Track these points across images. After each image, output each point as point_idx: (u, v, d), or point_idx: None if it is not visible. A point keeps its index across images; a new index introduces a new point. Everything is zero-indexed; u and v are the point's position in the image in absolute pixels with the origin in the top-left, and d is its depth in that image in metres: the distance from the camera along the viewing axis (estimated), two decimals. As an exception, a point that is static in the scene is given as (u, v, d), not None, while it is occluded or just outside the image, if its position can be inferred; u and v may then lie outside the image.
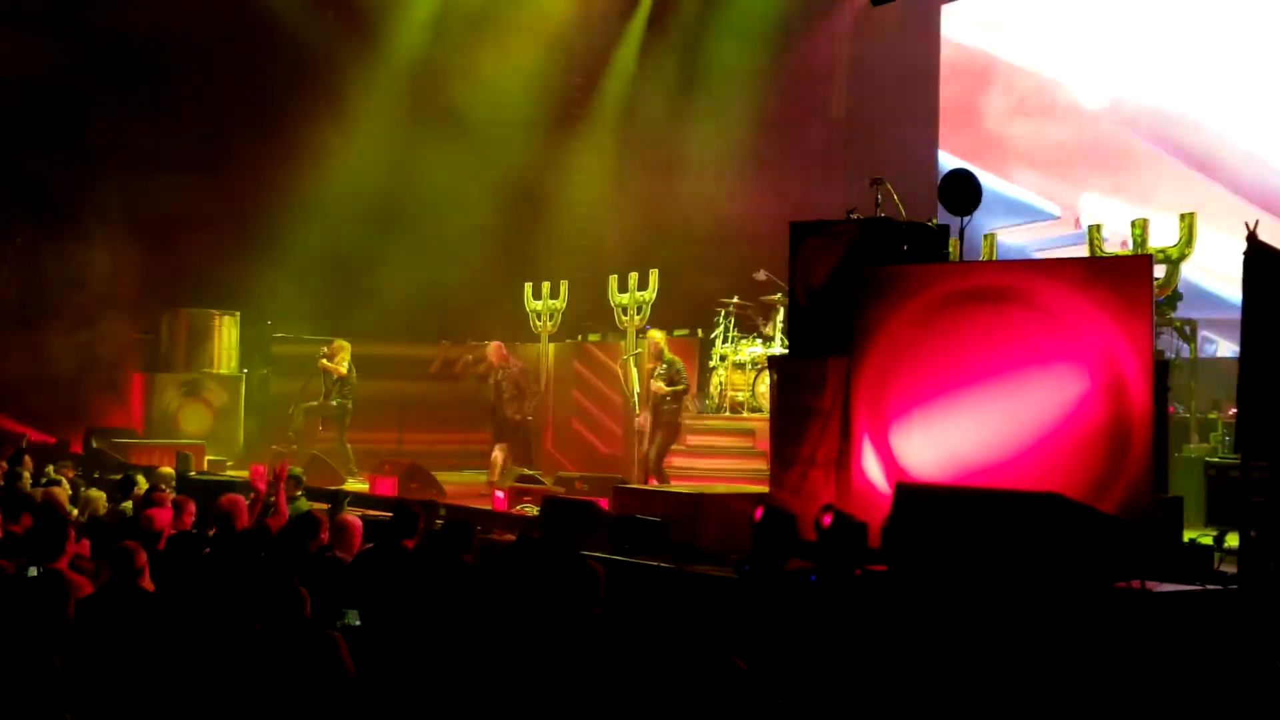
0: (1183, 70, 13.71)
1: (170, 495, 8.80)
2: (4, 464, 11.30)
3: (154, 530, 7.34)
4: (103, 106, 16.09)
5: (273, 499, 8.79)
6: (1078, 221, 13.99)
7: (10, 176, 15.99)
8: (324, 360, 14.13)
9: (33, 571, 6.07)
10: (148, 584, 6.04)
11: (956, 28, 16.14)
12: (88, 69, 15.77)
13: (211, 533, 7.66)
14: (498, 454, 13.37)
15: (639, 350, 14.49)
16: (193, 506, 8.38)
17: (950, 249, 9.05)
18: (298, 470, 10.34)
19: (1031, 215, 14.83)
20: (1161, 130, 13.82)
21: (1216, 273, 11.87)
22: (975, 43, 15.95)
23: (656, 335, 12.59)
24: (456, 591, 6.08)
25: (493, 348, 13.76)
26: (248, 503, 8.42)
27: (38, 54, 15.30)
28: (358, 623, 5.84)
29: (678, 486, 10.02)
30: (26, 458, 11.25)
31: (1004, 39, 15.61)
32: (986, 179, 14.62)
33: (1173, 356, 10.43)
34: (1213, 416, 10.41)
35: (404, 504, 7.13)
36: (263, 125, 16.77)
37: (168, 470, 10.74)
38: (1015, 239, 14.59)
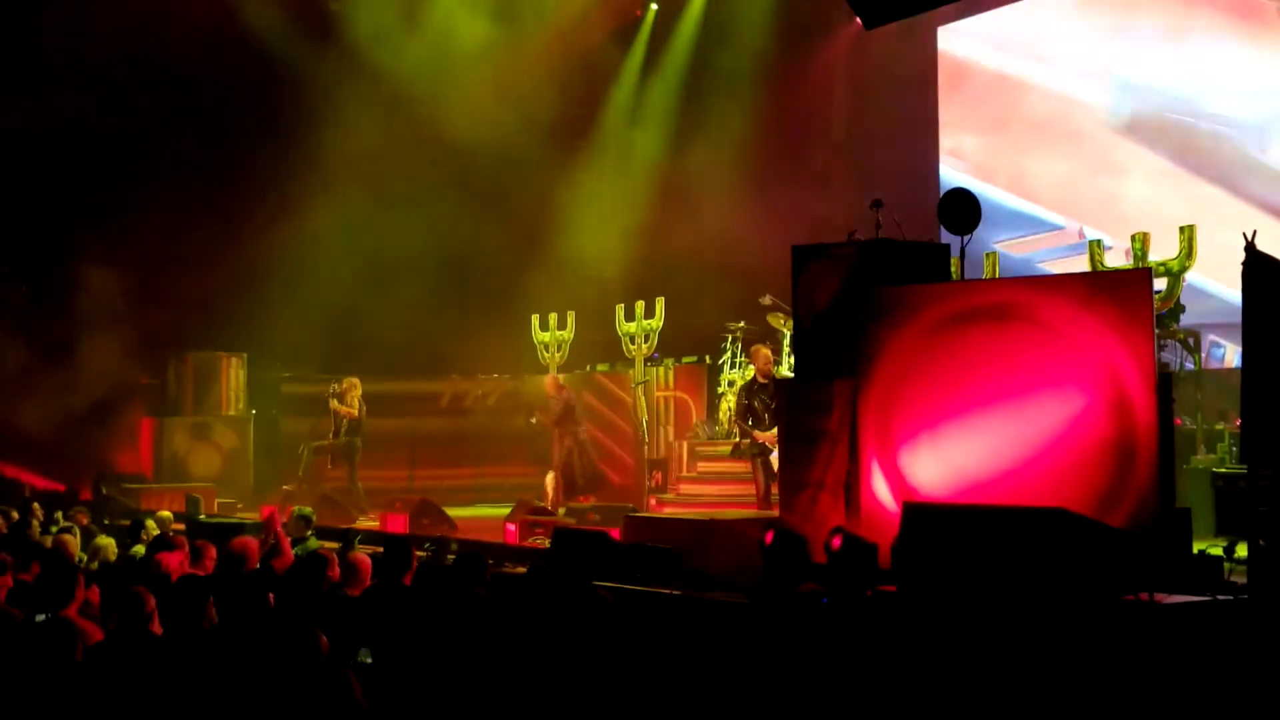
0: (1187, 79, 13.74)
1: (184, 540, 8.80)
2: (14, 513, 11.33)
3: (164, 574, 7.35)
4: (107, 153, 16.21)
5: (273, 540, 8.80)
6: (1082, 232, 14.01)
7: (13, 223, 16.10)
8: (334, 402, 14.18)
9: (40, 618, 6.08)
10: (157, 628, 6.04)
11: (954, 46, 16.21)
12: (91, 116, 15.89)
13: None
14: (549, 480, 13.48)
15: (647, 379, 14.51)
16: (213, 551, 8.38)
17: (952, 268, 9.06)
18: (307, 510, 10.35)
19: (1036, 226, 14.85)
20: (1165, 138, 13.84)
21: (1223, 277, 11.83)
22: (973, 59, 16.01)
23: (767, 352, 12.25)
24: (468, 624, 6.07)
25: (549, 380, 13.87)
26: (259, 544, 8.42)
27: (40, 102, 15.44)
28: (370, 660, 5.84)
29: (688, 513, 10.01)
30: (35, 505, 11.28)
31: (1002, 55, 15.66)
32: (990, 191, 14.75)
33: (1177, 368, 10.43)
34: (1219, 427, 10.39)
35: (395, 539, 7.12)
36: (267, 166, 16.88)
37: (166, 514, 10.77)
38: (1020, 250, 14.61)
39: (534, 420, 13.50)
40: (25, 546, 8.55)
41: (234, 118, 16.76)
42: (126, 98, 16.27)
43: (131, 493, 14.85)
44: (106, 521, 12.12)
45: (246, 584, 7.22)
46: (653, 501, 12.90)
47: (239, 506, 15.02)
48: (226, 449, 16.38)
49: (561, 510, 12.67)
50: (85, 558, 9.20)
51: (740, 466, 12.32)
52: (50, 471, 15.16)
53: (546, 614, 5.60)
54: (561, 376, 15.91)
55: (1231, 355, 12.12)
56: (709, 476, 12.76)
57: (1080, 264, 11.67)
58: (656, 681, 5.00)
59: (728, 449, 12.83)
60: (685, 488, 12.90)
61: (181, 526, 10.79)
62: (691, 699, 4.35)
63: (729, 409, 13.28)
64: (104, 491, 14.71)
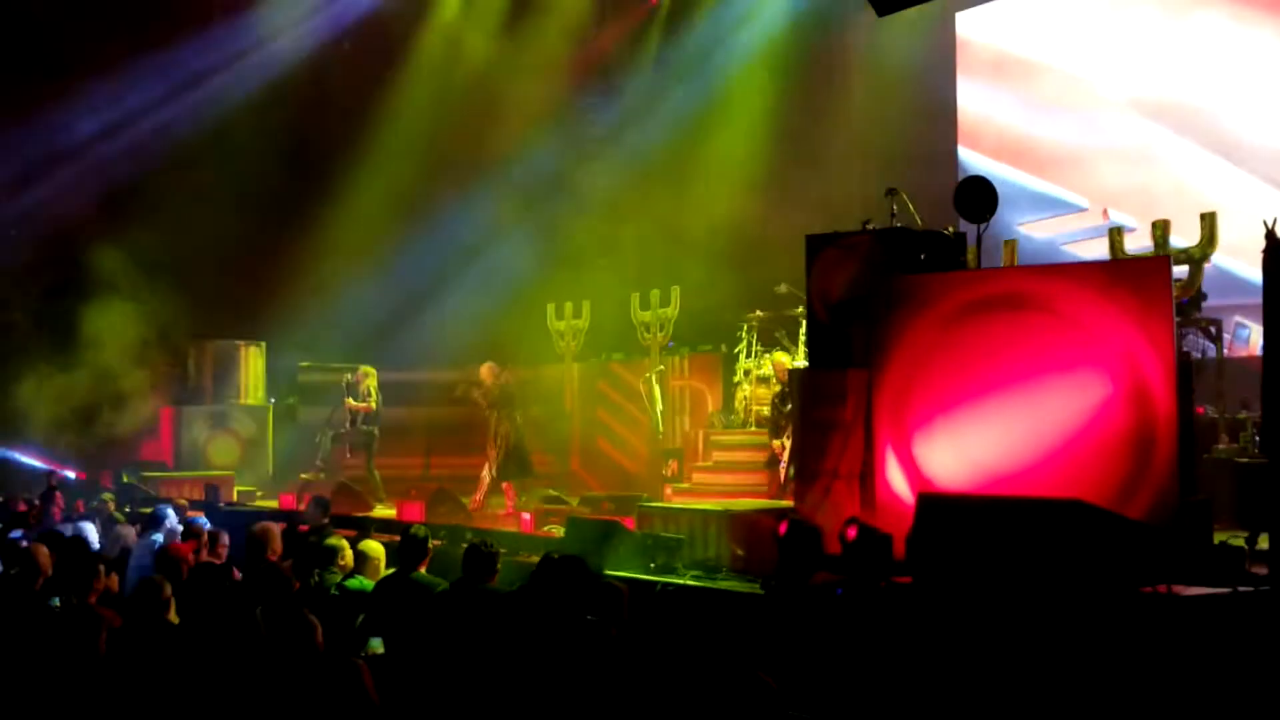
0: (1209, 63, 13.60)
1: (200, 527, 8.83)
2: (36, 502, 11.40)
3: (180, 562, 7.38)
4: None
5: None
6: (1106, 212, 13.89)
7: (36, 215, 16.17)
8: (349, 400, 14.22)
9: (55, 603, 6.12)
10: (173, 616, 6.07)
11: (974, 30, 16.10)
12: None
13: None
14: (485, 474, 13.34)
15: (661, 367, 14.48)
16: (226, 538, 8.42)
17: (968, 256, 8.99)
18: (325, 497, 10.38)
19: (1059, 208, 14.72)
20: (1190, 121, 13.70)
21: (1249, 259, 11.69)
22: (994, 43, 15.89)
23: (784, 358, 12.21)
24: (479, 615, 6.07)
25: (486, 367, 13.64)
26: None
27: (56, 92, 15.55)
28: (381, 650, 5.85)
29: (702, 503, 9.98)
30: (57, 495, 11.35)
31: (1023, 39, 15.53)
32: (1012, 174, 14.63)
33: (1199, 357, 10.32)
34: (1242, 416, 10.28)
35: (410, 531, 7.12)
36: (285, 156, 16.91)
37: (182, 502, 10.83)
38: (1043, 232, 14.50)
39: (474, 395, 13.39)
40: (46, 536, 8.59)
41: (252, 107, 16.75)
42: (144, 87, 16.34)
43: (152, 481, 14.94)
44: (127, 509, 12.18)
45: (267, 571, 7.23)
46: (668, 490, 12.88)
47: (258, 494, 15.09)
48: (246, 437, 16.46)
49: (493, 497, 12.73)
50: (106, 545, 9.26)
51: (756, 456, 12.29)
52: (71, 460, 15.25)
53: (556, 605, 5.58)
54: (577, 365, 15.91)
55: (1256, 337, 12.01)
56: (724, 466, 12.73)
57: (1105, 245, 11.55)
58: (669, 671, 4.99)
59: (743, 438, 12.80)
60: (700, 477, 12.88)
61: (200, 514, 10.83)
62: (705, 689, 4.33)
63: (744, 398, 13.24)
64: (125, 480, 14.79)
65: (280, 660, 4.91)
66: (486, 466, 13.15)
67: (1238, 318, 12.05)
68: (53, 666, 5.10)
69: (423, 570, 6.92)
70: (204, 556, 8.05)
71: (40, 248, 16.44)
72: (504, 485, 13.08)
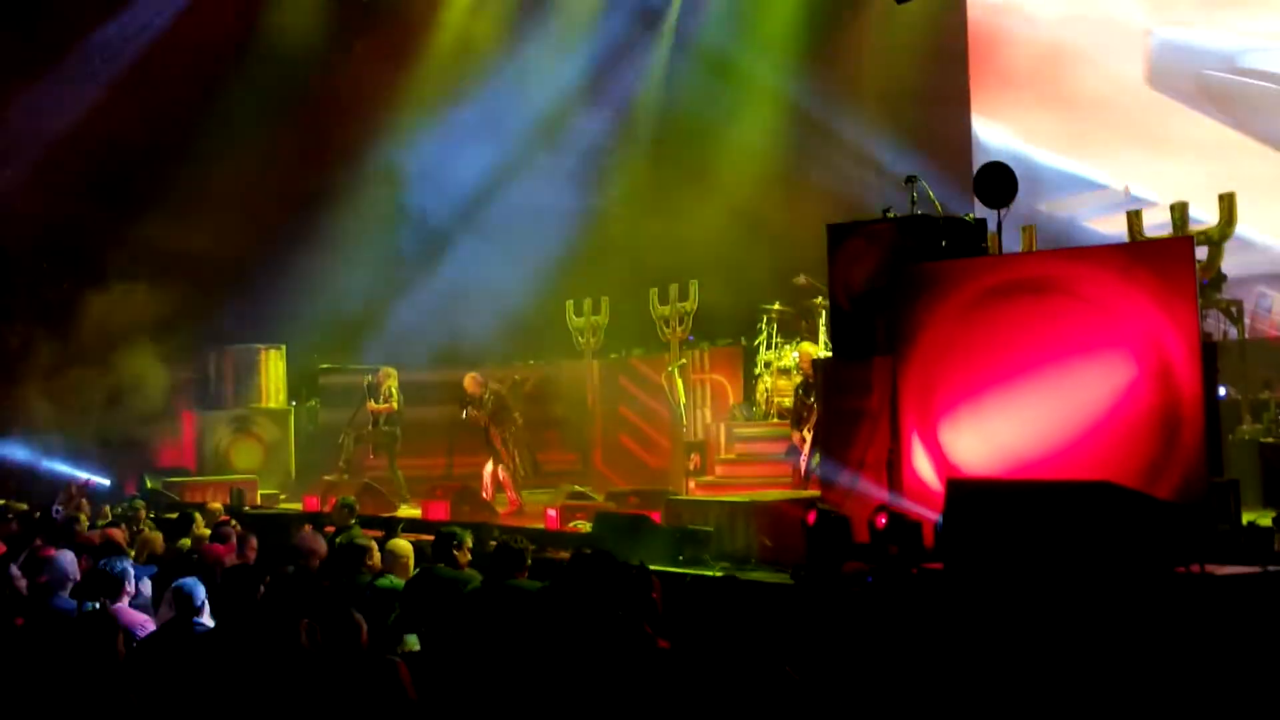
0: (1227, 36, 13.51)
1: (235, 530, 8.89)
2: (64, 510, 11.47)
3: (215, 564, 7.43)
4: (141, 147, 16.34)
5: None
6: (1128, 190, 13.83)
7: (53, 223, 16.25)
8: (371, 402, 14.28)
9: (92, 607, 6.16)
10: (208, 619, 6.10)
11: (984, 13, 16.04)
12: (122, 110, 16.04)
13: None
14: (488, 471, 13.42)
15: (683, 361, 14.48)
16: (254, 541, 8.46)
17: (989, 242, 8.99)
18: (350, 499, 10.42)
19: (1080, 186, 14.66)
20: (1205, 96, 13.61)
21: (1271, 229, 11.63)
22: (1004, 25, 15.82)
23: (812, 349, 12.23)
24: (511, 611, 6.09)
25: (469, 379, 13.68)
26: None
27: (76, 98, 15.61)
28: (417, 648, 5.87)
29: (730, 495, 9.99)
30: (84, 501, 11.42)
31: (1035, 19, 15.46)
32: (1032, 152, 14.57)
33: (1220, 338, 10.30)
34: (1264, 397, 10.26)
35: (442, 529, 7.15)
36: (298, 157, 16.96)
37: (216, 506, 10.87)
38: (1064, 210, 14.44)
39: (465, 416, 13.44)
40: (74, 542, 8.64)
41: (265, 108, 16.79)
42: (156, 92, 16.40)
43: (176, 487, 15.00)
44: (152, 515, 12.24)
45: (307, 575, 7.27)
46: (691, 484, 12.89)
47: (282, 498, 15.14)
48: (268, 441, 16.50)
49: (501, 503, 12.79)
50: (134, 552, 9.29)
51: (780, 448, 12.28)
52: (95, 467, 15.31)
53: (591, 598, 5.60)
54: (597, 362, 15.91)
55: (1279, 306, 11.96)
56: (747, 458, 12.73)
57: (1124, 222, 11.50)
58: (702, 663, 5.00)
59: (766, 430, 12.80)
60: (724, 470, 12.89)
61: (229, 519, 10.89)
62: (738, 681, 4.35)
63: (765, 390, 13.24)
64: (149, 486, 14.86)
65: (322, 660, 4.94)
66: (489, 466, 13.23)
67: (1260, 288, 11.99)
68: (70, 672, 5.12)
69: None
70: (234, 559, 8.10)
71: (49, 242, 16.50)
72: (504, 482, 13.14)
